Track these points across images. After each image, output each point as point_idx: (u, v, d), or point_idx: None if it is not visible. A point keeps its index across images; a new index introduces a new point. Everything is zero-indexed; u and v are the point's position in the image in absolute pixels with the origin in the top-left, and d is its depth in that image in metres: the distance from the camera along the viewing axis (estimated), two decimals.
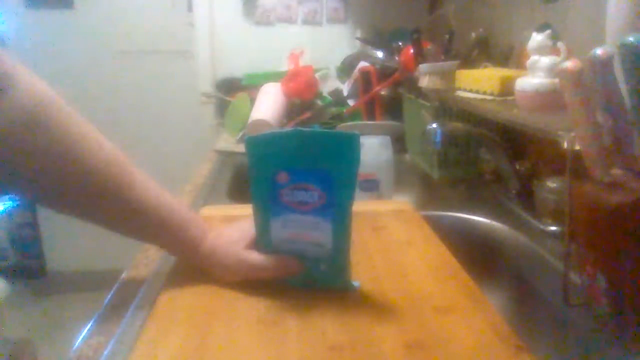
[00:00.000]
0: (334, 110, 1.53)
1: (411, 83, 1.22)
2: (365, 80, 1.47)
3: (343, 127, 1.37)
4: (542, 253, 0.75)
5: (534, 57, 0.76)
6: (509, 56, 1.10)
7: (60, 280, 2.55)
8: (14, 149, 0.48)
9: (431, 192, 1.18)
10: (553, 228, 0.78)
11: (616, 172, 0.48)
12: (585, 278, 0.52)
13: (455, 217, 0.92)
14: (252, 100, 1.52)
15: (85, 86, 2.31)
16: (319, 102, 1.56)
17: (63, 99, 0.52)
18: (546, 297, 0.72)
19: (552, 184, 0.80)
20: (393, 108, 1.42)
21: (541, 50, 0.75)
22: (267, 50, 1.95)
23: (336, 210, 0.53)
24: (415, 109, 1.19)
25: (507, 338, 0.48)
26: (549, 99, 0.74)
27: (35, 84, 0.50)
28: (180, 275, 0.61)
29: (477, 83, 0.92)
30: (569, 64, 0.46)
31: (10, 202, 2.47)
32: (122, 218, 0.56)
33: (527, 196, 0.91)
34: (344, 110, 1.51)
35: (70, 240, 2.26)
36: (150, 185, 0.57)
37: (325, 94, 1.61)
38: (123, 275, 0.68)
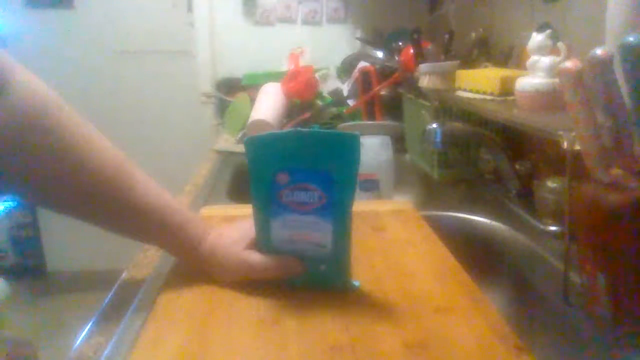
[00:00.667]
0: (334, 110, 1.52)
1: (411, 83, 1.21)
2: (365, 80, 1.47)
3: (343, 127, 1.37)
4: (542, 253, 0.75)
5: (534, 57, 0.76)
6: (509, 56, 1.10)
7: (60, 280, 2.55)
8: (13, 149, 0.48)
9: (431, 192, 1.18)
10: (553, 228, 0.78)
11: (616, 172, 0.48)
12: (585, 278, 0.52)
13: (455, 217, 0.92)
14: (252, 100, 1.52)
15: (85, 86, 2.31)
16: (319, 102, 1.56)
17: (63, 99, 0.52)
18: (546, 297, 0.72)
19: (552, 184, 0.80)
20: (393, 108, 1.42)
21: (541, 50, 0.75)
22: (267, 50, 1.95)
23: (336, 211, 0.53)
24: (415, 109, 1.19)
25: (507, 338, 0.48)
26: (549, 99, 0.74)
27: (34, 84, 0.50)
28: (180, 275, 0.61)
29: (477, 83, 0.92)
30: (569, 64, 0.46)
31: (10, 202, 2.47)
32: (122, 218, 0.56)
33: (527, 196, 0.91)
34: (344, 110, 1.51)
35: (70, 240, 2.26)
36: (151, 185, 0.57)
37: (325, 94, 1.61)
38: (123, 275, 0.68)
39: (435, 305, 0.53)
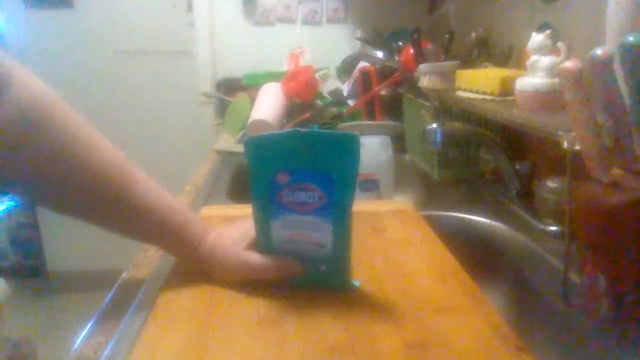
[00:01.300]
0: (334, 110, 1.52)
1: (411, 83, 1.21)
2: (365, 80, 1.47)
3: (343, 127, 1.37)
4: (542, 253, 0.75)
5: (534, 57, 0.76)
6: (509, 56, 1.10)
7: (60, 280, 2.55)
8: (13, 149, 0.48)
9: (431, 192, 1.18)
10: (553, 228, 0.78)
11: (616, 172, 0.48)
12: (585, 278, 0.52)
13: (455, 217, 0.92)
14: (252, 100, 1.52)
15: (85, 86, 2.31)
16: (319, 102, 1.55)
17: (63, 99, 0.52)
18: (546, 297, 0.72)
19: (552, 184, 0.80)
20: (393, 108, 1.42)
21: (541, 50, 0.75)
22: (267, 50, 1.95)
23: (336, 211, 0.53)
24: (415, 109, 1.19)
25: (507, 338, 0.48)
26: (549, 99, 0.74)
27: (34, 84, 0.50)
28: (180, 275, 0.61)
29: (477, 83, 0.92)
30: (569, 64, 0.46)
31: (10, 202, 2.47)
32: (122, 218, 0.56)
33: (527, 196, 0.91)
34: (344, 110, 1.51)
35: (70, 240, 2.26)
36: (151, 185, 0.57)
37: (325, 94, 1.61)
38: (123, 275, 0.68)
39: (435, 305, 0.53)
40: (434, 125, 0.94)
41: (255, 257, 0.57)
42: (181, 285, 0.58)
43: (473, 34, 1.19)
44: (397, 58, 1.37)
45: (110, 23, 2.34)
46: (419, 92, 1.15)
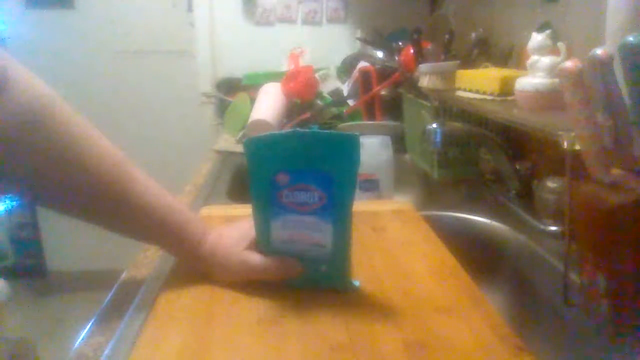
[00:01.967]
0: (334, 110, 1.52)
1: (411, 83, 1.21)
2: (365, 80, 1.47)
3: (343, 127, 1.37)
4: (542, 253, 0.75)
5: (534, 57, 0.76)
6: (509, 56, 1.10)
7: (60, 280, 2.55)
8: (13, 148, 0.48)
9: (431, 192, 1.18)
10: (553, 228, 0.78)
11: (616, 172, 0.48)
12: (585, 278, 0.52)
13: (455, 217, 0.92)
14: (252, 100, 1.52)
15: (85, 86, 2.31)
16: (319, 102, 1.56)
17: (63, 99, 0.52)
18: (546, 297, 0.72)
19: (552, 184, 0.80)
20: (393, 108, 1.42)
21: (541, 50, 0.75)
22: (267, 50, 1.95)
23: (336, 211, 0.53)
24: (415, 109, 1.19)
25: (507, 338, 0.48)
26: (549, 99, 0.74)
27: (34, 84, 0.50)
28: (180, 275, 0.61)
29: (477, 83, 0.92)
30: (569, 64, 0.46)
31: (10, 202, 2.47)
32: (122, 218, 0.56)
33: (527, 196, 0.91)
34: (344, 110, 1.51)
35: (70, 240, 2.26)
36: (150, 185, 0.57)
37: (325, 94, 1.61)
38: (123, 275, 0.68)
39: (435, 305, 0.53)
40: (434, 125, 0.94)
41: (255, 258, 0.57)
42: (181, 285, 0.58)
43: (473, 34, 1.18)
44: (397, 58, 1.37)
45: (110, 23, 2.34)
46: (419, 92, 1.15)
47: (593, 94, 0.46)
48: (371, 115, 1.47)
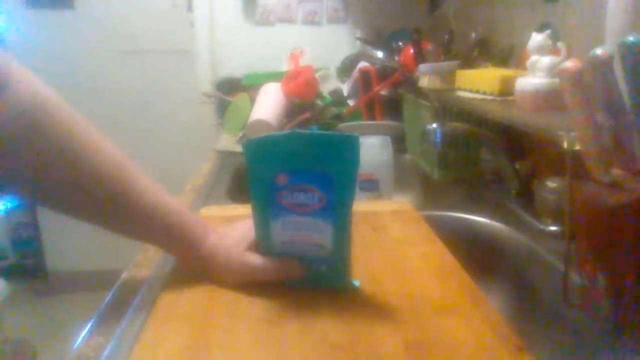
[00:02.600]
0: (334, 110, 1.52)
1: (411, 83, 1.21)
2: (365, 80, 1.47)
3: (343, 127, 1.37)
4: (542, 253, 0.75)
5: (534, 57, 0.76)
6: (509, 56, 1.10)
7: (60, 280, 2.55)
8: (13, 148, 0.48)
9: (431, 192, 1.18)
10: (553, 228, 0.78)
11: (616, 172, 0.48)
12: (585, 278, 0.52)
13: (455, 217, 0.92)
14: (252, 100, 1.52)
15: (85, 86, 2.31)
16: (319, 102, 1.56)
17: (62, 99, 0.52)
18: (546, 297, 0.72)
19: (552, 184, 0.80)
20: (393, 108, 1.42)
21: (541, 50, 0.76)
22: (267, 50, 1.95)
23: (336, 212, 0.53)
24: (415, 109, 1.19)
25: (507, 338, 0.48)
26: (549, 99, 0.74)
27: (34, 84, 0.50)
28: (180, 275, 0.61)
29: (477, 83, 0.92)
30: (569, 64, 0.46)
31: (10, 202, 2.47)
32: (122, 218, 0.56)
33: (527, 196, 0.91)
34: (344, 110, 1.51)
35: (70, 240, 2.26)
36: (150, 185, 0.56)
37: (325, 94, 1.61)
38: (123, 275, 0.68)
39: (435, 305, 0.53)
40: (434, 125, 0.94)
41: (255, 259, 0.57)
42: (181, 285, 0.58)
43: (473, 34, 1.19)
44: (397, 58, 1.37)
45: (110, 23, 2.34)
46: (419, 92, 1.15)
47: (593, 94, 0.46)
48: (371, 116, 1.47)
